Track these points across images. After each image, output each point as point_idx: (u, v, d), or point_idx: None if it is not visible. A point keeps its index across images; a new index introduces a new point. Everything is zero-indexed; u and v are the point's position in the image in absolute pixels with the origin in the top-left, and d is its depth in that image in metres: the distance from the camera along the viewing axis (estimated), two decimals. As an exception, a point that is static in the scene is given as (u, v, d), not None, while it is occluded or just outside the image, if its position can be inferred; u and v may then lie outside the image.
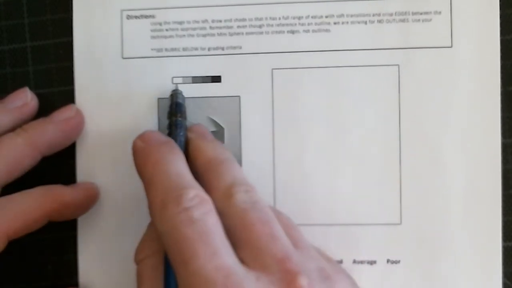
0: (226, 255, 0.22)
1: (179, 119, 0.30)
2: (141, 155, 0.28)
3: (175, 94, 0.32)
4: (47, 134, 0.30)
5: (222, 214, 0.24)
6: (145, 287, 0.25)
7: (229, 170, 0.27)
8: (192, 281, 0.22)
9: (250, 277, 0.22)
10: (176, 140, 0.29)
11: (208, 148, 0.29)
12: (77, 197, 0.31)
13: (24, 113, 0.31)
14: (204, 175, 0.27)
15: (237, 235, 0.24)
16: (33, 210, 0.28)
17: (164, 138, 0.29)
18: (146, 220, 0.32)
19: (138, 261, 0.26)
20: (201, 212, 0.23)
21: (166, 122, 0.32)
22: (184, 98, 0.32)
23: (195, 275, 0.22)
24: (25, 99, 0.32)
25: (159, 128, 0.33)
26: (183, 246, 0.22)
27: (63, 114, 0.32)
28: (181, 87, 0.33)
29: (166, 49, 0.33)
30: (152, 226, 0.28)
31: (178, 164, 0.26)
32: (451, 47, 0.32)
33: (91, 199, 0.32)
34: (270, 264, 0.23)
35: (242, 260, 0.23)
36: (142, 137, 0.29)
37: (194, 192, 0.24)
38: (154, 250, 0.26)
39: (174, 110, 0.31)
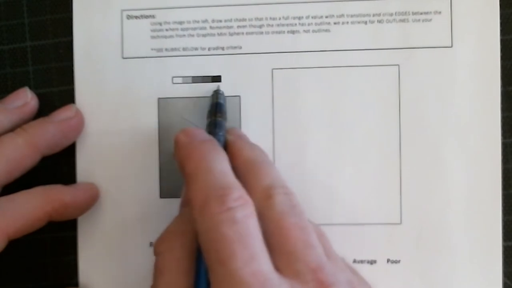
0: (263, 261, 0.22)
1: (219, 119, 0.30)
2: (184, 150, 0.27)
3: (216, 94, 0.31)
4: (47, 134, 0.30)
5: (260, 216, 0.24)
6: (165, 279, 0.25)
7: (268, 172, 0.27)
8: (227, 282, 0.22)
9: (284, 285, 0.22)
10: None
11: (247, 149, 0.28)
12: (77, 197, 0.31)
13: (24, 113, 0.31)
14: (242, 176, 0.26)
15: (273, 240, 0.24)
16: (34, 210, 0.28)
17: (207, 136, 0.28)
18: (146, 219, 0.32)
19: (158, 252, 0.26)
20: (243, 214, 0.23)
21: (166, 122, 0.32)
22: (225, 98, 0.32)
23: (230, 277, 0.21)
24: (25, 99, 0.32)
25: (159, 128, 0.33)
26: (221, 245, 0.22)
27: (63, 114, 0.32)
28: (181, 87, 0.33)
29: (166, 49, 0.33)
30: (179, 219, 0.27)
31: (222, 163, 0.26)
32: (451, 47, 0.32)
33: (91, 199, 0.32)
34: (304, 272, 0.23)
35: (275, 265, 0.23)
36: (185, 132, 0.28)
37: (238, 193, 0.24)
38: (181, 243, 0.25)
39: (214, 110, 0.30)
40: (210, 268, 0.23)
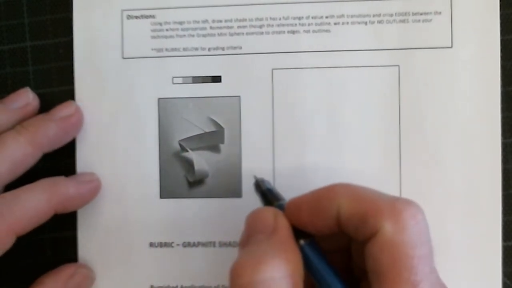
0: None
1: (281, 202, 0.27)
2: None
3: (261, 183, 0.29)
4: (48, 132, 0.30)
5: None
6: None
7: None
8: None
9: None
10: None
11: None
12: (81, 189, 0.31)
13: (25, 114, 0.31)
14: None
15: None
16: (39, 205, 0.29)
17: None
18: (146, 219, 0.32)
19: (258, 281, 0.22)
20: None
21: (166, 122, 0.32)
22: (269, 182, 0.30)
23: None
24: (26, 99, 0.32)
25: (160, 128, 0.33)
26: None
27: (63, 111, 0.32)
28: (181, 87, 0.33)
29: (167, 49, 0.33)
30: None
31: None
32: (451, 47, 0.32)
33: (94, 190, 0.32)
34: None
35: None
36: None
37: None
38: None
39: (270, 197, 0.28)
40: None
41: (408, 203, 0.22)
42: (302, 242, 0.24)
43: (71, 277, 0.31)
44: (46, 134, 0.30)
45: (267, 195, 0.28)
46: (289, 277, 0.22)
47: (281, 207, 0.26)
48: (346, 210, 0.23)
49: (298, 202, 0.25)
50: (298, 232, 0.24)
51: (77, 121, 0.32)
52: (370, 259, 0.22)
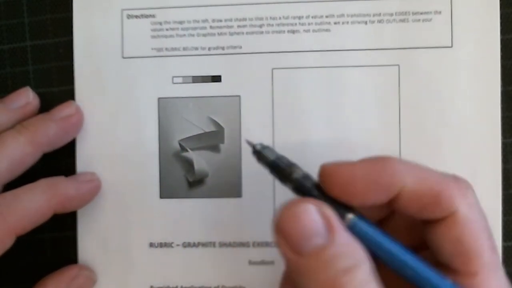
0: None
1: (299, 172, 0.24)
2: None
3: (264, 152, 0.25)
4: (48, 132, 0.30)
5: None
6: None
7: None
8: None
9: None
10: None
11: None
12: (80, 189, 0.31)
13: (26, 113, 0.31)
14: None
15: None
16: (39, 206, 0.28)
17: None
18: (146, 219, 0.32)
19: None
20: None
21: (166, 122, 0.32)
22: (272, 148, 0.25)
23: None
24: (27, 99, 0.32)
25: (160, 128, 0.33)
26: None
27: (63, 111, 0.32)
28: (181, 87, 0.33)
29: (167, 49, 0.33)
30: None
31: None
32: (451, 47, 0.32)
33: (94, 189, 0.32)
34: None
35: None
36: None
37: None
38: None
39: (283, 169, 0.24)
40: None
41: (464, 180, 0.23)
42: (351, 216, 0.23)
43: (73, 279, 0.31)
44: (46, 134, 0.30)
45: (279, 166, 0.24)
46: (374, 274, 0.21)
47: (301, 181, 0.23)
48: (413, 190, 0.22)
49: (347, 172, 0.23)
50: (338, 204, 0.23)
51: (77, 121, 0.32)
52: (446, 238, 0.22)
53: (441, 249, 0.23)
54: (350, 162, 0.23)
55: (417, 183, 0.22)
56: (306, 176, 0.24)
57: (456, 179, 0.23)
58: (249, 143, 0.26)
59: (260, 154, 0.25)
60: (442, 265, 0.23)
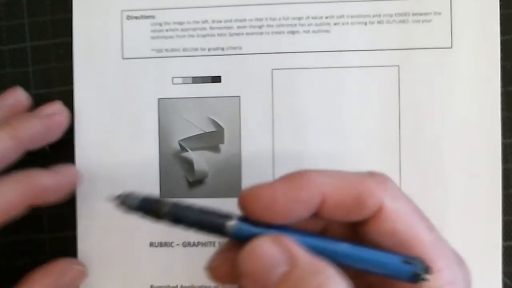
0: None
1: (166, 205, 0.23)
2: None
3: (125, 200, 0.24)
4: (31, 128, 0.30)
5: None
6: None
7: None
8: None
9: None
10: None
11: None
12: (56, 181, 0.30)
13: (15, 112, 0.31)
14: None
15: None
16: (13, 198, 0.28)
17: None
18: (145, 222, 0.32)
19: None
20: None
21: (166, 122, 0.32)
22: (136, 193, 0.24)
23: None
24: (17, 97, 0.32)
25: (160, 128, 0.33)
26: None
27: (47, 109, 0.32)
28: (181, 87, 0.33)
29: (166, 50, 0.33)
30: None
31: None
32: (451, 47, 0.32)
33: (72, 181, 0.31)
34: None
35: None
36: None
37: None
38: None
39: (151, 210, 0.24)
40: None
41: (380, 173, 0.23)
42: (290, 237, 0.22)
43: (63, 274, 0.30)
44: (29, 130, 0.30)
45: (146, 208, 0.23)
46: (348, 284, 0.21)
47: (173, 212, 0.23)
48: (333, 198, 0.22)
49: (266, 195, 0.23)
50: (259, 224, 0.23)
51: (61, 120, 0.32)
52: (381, 233, 0.22)
53: (381, 244, 0.23)
54: (268, 183, 0.23)
55: (335, 190, 0.22)
56: (176, 205, 0.23)
57: (372, 175, 0.23)
58: (111, 199, 0.24)
59: (124, 204, 0.24)
60: None
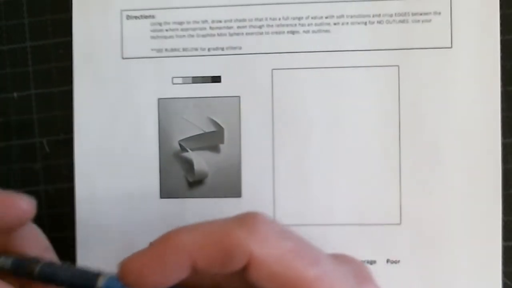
0: None
1: (39, 265, 0.23)
2: None
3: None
4: None
5: None
6: None
7: None
8: None
9: None
10: None
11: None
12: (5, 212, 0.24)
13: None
14: None
15: None
16: None
17: None
18: (146, 219, 0.32)
19: None
20: None
21: (166, 122, 0.32)
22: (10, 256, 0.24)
23: None
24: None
25: (160, 128, 0.33)
26: None
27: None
28: (181, 87, 0.33)
29: (166, 49, 0.33)
30: None
31: None
32: (451, 47, 0.32)
33: (16, 216, 0.24)
34: None
35: None
36: None
37: None
38: None
39: (25, 270, 0.23)
40: None
41: (250, 215, 0.22)
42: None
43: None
44: None
45: (19, 270, 0.23)
46: None
47: (45, 271, 0.23)
48: (204, 256, 0.21)
49: (136, 263, 0.22)
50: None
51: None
52: (262, 279, 0.21)
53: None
54: (141, 251, 0.23)
55: (204, 248, 0.21)
56: (47, 264, 0.23)
57: (240, 221, 0.22)
58: None
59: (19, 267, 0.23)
60: None
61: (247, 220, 0.22)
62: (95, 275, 0.23)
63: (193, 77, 0.33)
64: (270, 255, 0.21)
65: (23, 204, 0.24)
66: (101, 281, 0.23)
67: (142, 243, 0.33)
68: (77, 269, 0.23)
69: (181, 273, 0.22)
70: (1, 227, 0.24)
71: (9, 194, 0.24)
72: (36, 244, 0.26)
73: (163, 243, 0.22)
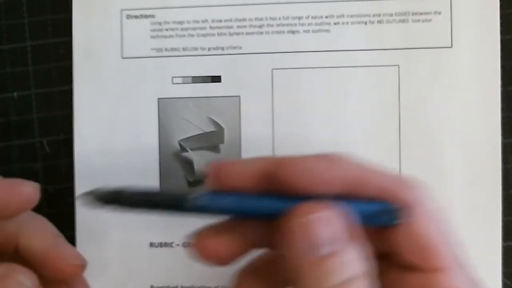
0: None
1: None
2: None
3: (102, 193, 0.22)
4: None
5: None
6: None
7: None
8: None
9: None
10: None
11: None
12: (6, 195, 0.24)
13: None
14: None
15: None
16: None
17: None
18: (146, 219, 0.32)
19: None
20: None
21: (166, 122, 0.32)
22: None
23: None
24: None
25: (160, 128, 0.33)
26: None
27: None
28: (181, 87, 0.33)
29: (166, 49, 0.33)
30: None
31: None
32: (451, 47, 0.32)
33: (22, 201, 0.24)
34: None
35: None
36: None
37: None
38: None
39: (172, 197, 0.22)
40: None
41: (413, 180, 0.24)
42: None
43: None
44: None
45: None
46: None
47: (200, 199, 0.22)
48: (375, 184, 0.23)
49: (304, 164, 0.22)
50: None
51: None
52: (404, 239, 0.22)
53: (400, 249, 0.22)
54: (302, 156, 0.23)
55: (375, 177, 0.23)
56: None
57: (407, 181, 0.23)
58: (82, 197, 0.22)
59: (96, 199, 0.21)
60: (404, 266, 0.22)
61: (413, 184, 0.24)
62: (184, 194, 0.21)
63: (193, 76, 0.33)
64: (427, 222, 0.23)
65: (28, 188, 0.24)
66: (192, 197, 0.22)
67: (142, 243, 0.33)
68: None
69: (329, 186, 0.22)
70: (8, 213, 0.24)
71: (13, 180, 0.24)
72: (45, 232, 0.27)
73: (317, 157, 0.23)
